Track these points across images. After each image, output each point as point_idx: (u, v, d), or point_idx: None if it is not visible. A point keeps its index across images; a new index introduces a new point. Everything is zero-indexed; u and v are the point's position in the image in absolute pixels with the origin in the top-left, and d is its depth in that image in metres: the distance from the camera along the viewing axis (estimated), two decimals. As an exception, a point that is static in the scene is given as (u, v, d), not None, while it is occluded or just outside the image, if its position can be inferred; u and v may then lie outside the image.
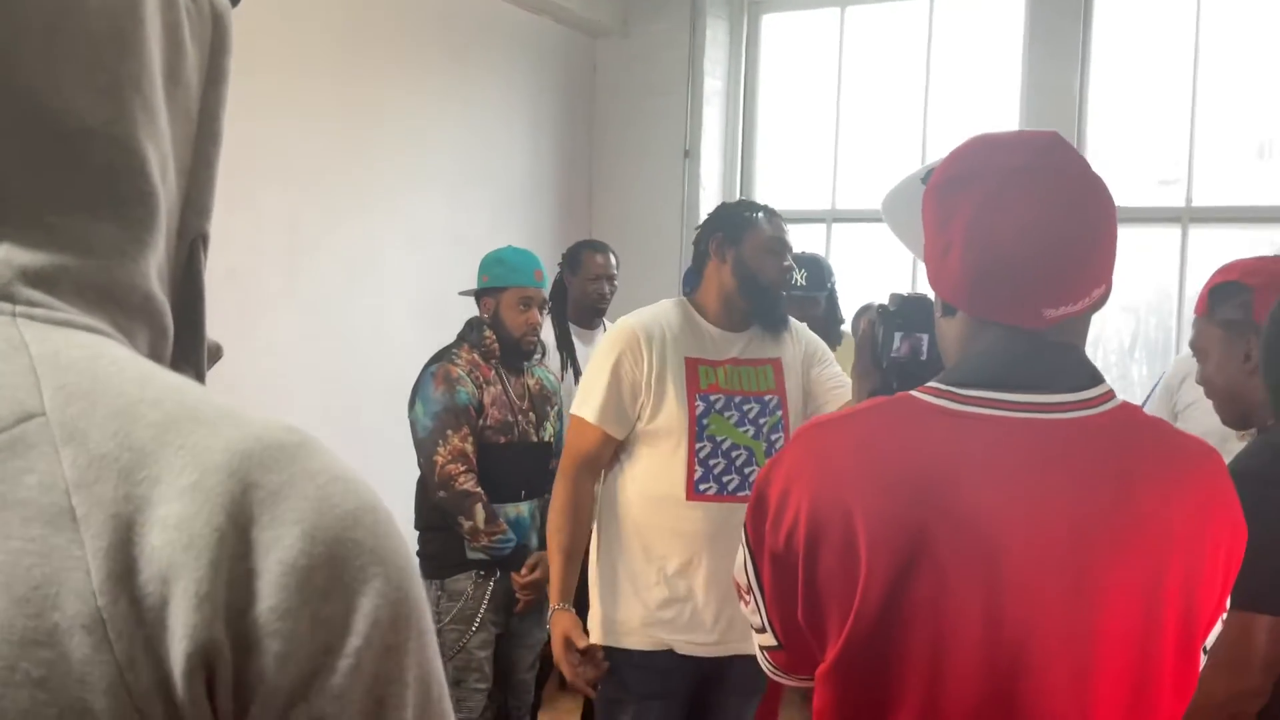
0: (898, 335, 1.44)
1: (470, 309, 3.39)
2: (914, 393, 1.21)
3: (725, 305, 2.60)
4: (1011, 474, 1.14)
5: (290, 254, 3.97)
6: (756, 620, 1.33)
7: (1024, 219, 1.14)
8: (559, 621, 2.53)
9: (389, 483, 3.31)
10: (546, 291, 3.38)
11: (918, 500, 1.13)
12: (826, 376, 2.68)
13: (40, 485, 0.49)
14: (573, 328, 4.00)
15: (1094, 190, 1.18)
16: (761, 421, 2.56)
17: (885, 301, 1.49)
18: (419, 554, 3.16)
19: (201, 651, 0.49)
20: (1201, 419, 2.56)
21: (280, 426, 0.54)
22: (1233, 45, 4.68)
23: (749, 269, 2.56)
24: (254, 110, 3.80)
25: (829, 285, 3.73)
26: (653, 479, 2.50)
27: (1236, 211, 4.62)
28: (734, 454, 2.52)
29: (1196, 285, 3.49)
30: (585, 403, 2.53)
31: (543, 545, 3.20)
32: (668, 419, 2.48)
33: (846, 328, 4.04)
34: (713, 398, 2.52)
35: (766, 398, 2.59)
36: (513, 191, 5.05)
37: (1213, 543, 1.17)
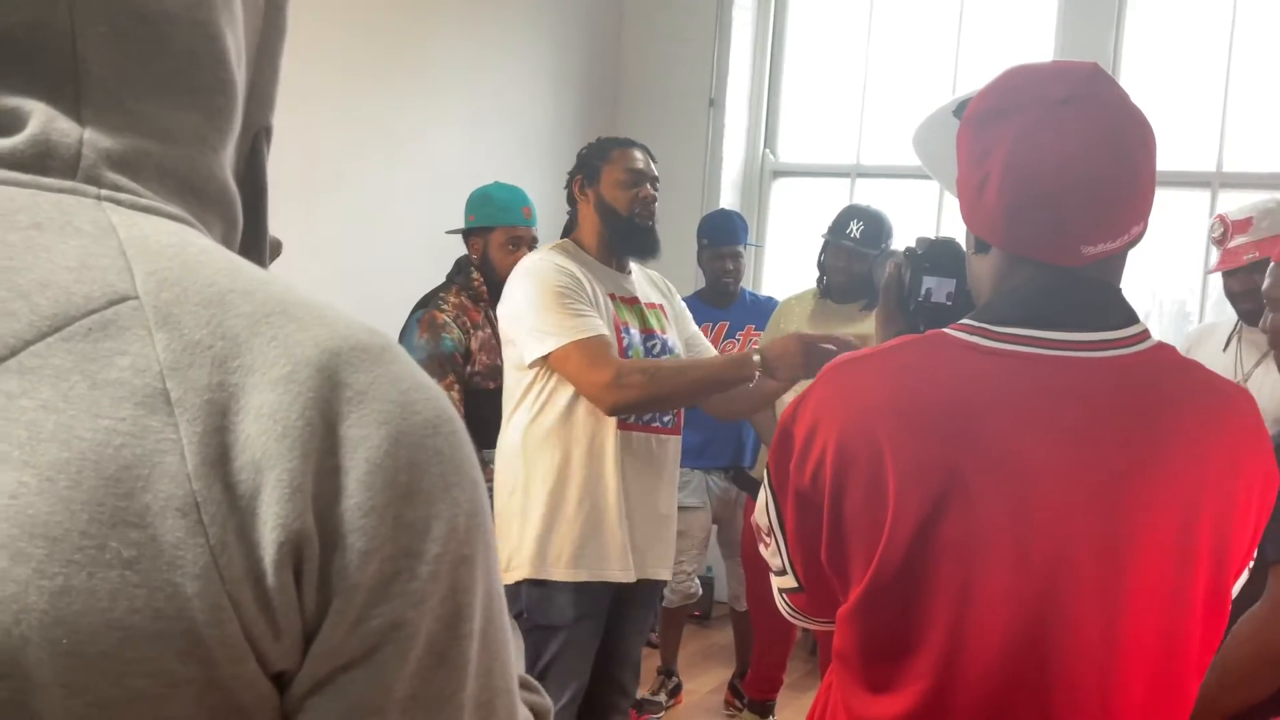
0: (926, 278, 1.41)
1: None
2: (946, 330, 1.19)
3: (601, 244, 2.63)
4: (1045, 413, 1.12)
5: (308, 195, 3.95)
6: (777, 562, 1.32)
7: (1065, 152, 1.11)
8: (772, 350, 2.43)
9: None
10: (536, 229, 3.34)
11: (949, 438, 1.12)
12: (693, 337, 2.80)
13: (133, 367, 0.49)
14: None
15: (1136, 123, 1.15)
16: (663, 360, 2.61)
17: (912, 245, 1.46)
18: None
19: (292, 541, 0.49)
20: None
21: (364, 328, 0.55)
22: (1268, 9, 4.60)
23: (608, 206, 2.60)
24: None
25: (883, 245, 3.66)
26: (581, 410, 2.49)
27: (1268, 178, 4.55)
28: None
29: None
30: (574, 327, 2.41)
31: None
32: None
33: None
34: (633, 332, 2.58)
35: (664, 337, 2.67)
36: (535, 134, 5.01)
37: (1245, 485, 1.15)
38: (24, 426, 0.47)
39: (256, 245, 0.66)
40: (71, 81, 0.54)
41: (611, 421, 2.49)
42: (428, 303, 3.16)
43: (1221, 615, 1.18)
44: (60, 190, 0.53)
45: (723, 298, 4.10)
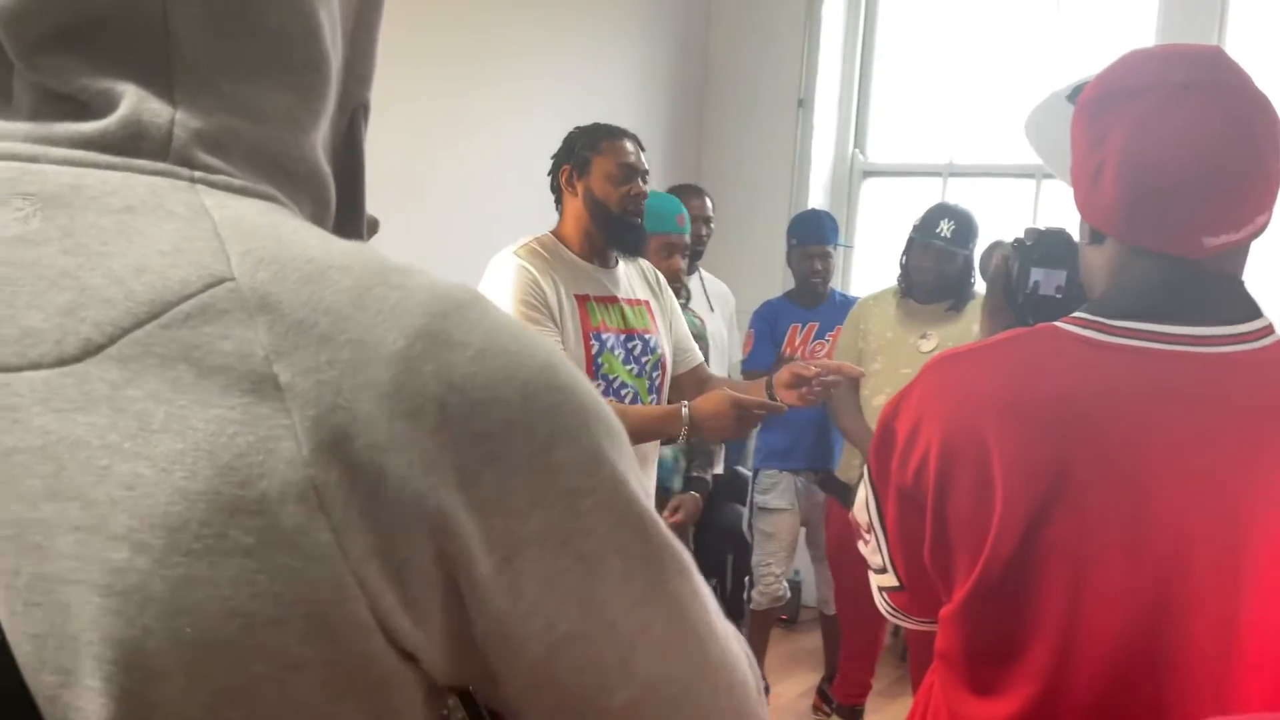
0: (1035, 270, 1.36)
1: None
2: (1058, 323, 1.15)
3: (586, 238, 2.55)
4: (1160, 410, 1.08)
5: (407, 193, 4.00)
6: (877, 560, 1.29)
7: (1186, 138, 1.07)
8: (703, 409, 2.32)
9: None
10: (688, 236, 3.35)
11: (1059, 435, 1.08)
12: (681, 338, 2.70)
13: (237, 353, 0.48)
14: None
15: (1260, 109, 1.11)
16: (644, 359, 2.53)
17: (1020, 236, 1.41)
18: None
19: (429, 518, 0.49)
20: None
21: (459, 285, 0.54)
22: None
23: (598, 200, 2.53)
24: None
25: (971, 246, 3.59)
26: None
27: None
28: (623, 392, 2.49)
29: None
30: None
31: (686, 488, 3.23)
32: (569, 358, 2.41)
33: (980, 288, 3.90)
34: (604, 335, 2.48)
35: (647, 336, 2.57)
36: (623, 137, 5.01)
37: None
38: (133, 417, 0.47)
39: (354, 223, 0.65)
40: (164, 62, 0.54)
41: None
42: None
43: None
44: (153, 173, 0.53)
45: (812, 298, 4.06)
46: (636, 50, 5.10)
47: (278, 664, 0.48)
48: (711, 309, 3.98)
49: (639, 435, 2.39)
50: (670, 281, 3.15)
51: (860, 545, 1.33)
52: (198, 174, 0.54)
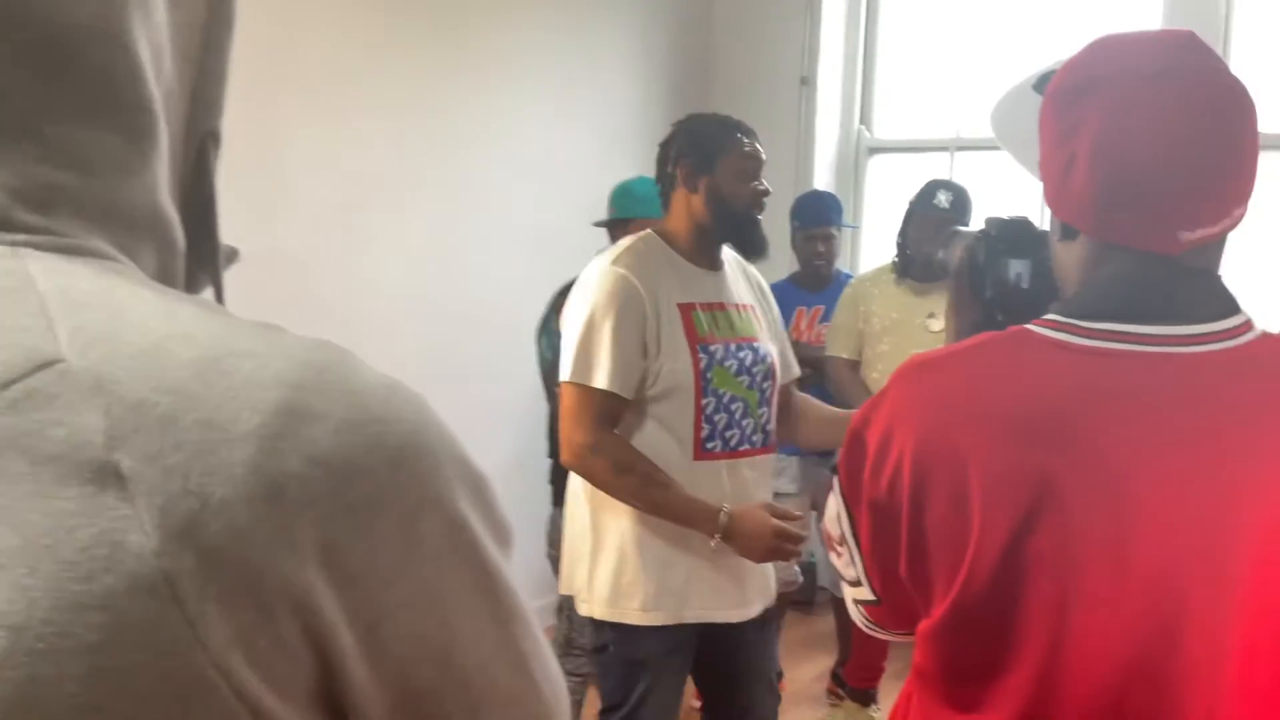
0: (1002, 261, 1.32)
1: (593, 239, 3.33)
2: (1029, 326, 1.10)
3: (698, 238, 2.37)
4: (1143, 414, 1.03)
5: (401, 189, 3.97)
6: (851, 573, 1.25)
7: (1160, 130, 1.02)
8: (743, 523, 2.22)
9: (500, 417, 3.32)
10: None
11: (1038, 444, 1.04)
12: (784, 350, 2.53)
13: (71, 440, 0.45)
14: None
15: (1236, 97, 1.06)
16: (755, 370, 2.37)
17: (983, 227, 1.36)
18: (551, 481, 3.17)
19: (293, 598, 0.47)
20: None
21: (318, 345, 0.51)
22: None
23: (724, 199, 2.33)
24: (362, 46, 3.77)
25: (968, 219, 3.52)
26: (656, 442, 2.28)
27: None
28: (733, 407, 2.34)
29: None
30: (589, 368, 2.24)
31: None
32: (673, 377, 2.27)
33: None
34: (712, 348, 2.32)
35: (756, 344, 2.40)
36: (624, 120, 4.96)
37: None
38: None
39: (209, 259, 0.61)
40: None
41: (689, 453, 2.30)
42: (567, 291, 3.18)
43: None
44: None
45: (816, 281, 4.00)
46: (637, 33, 5.04)
47: None
48: None
49: (672, 519, 2.28)
50: None
51: (833, 558, 1.29)
52: (20, 237, 0.49)
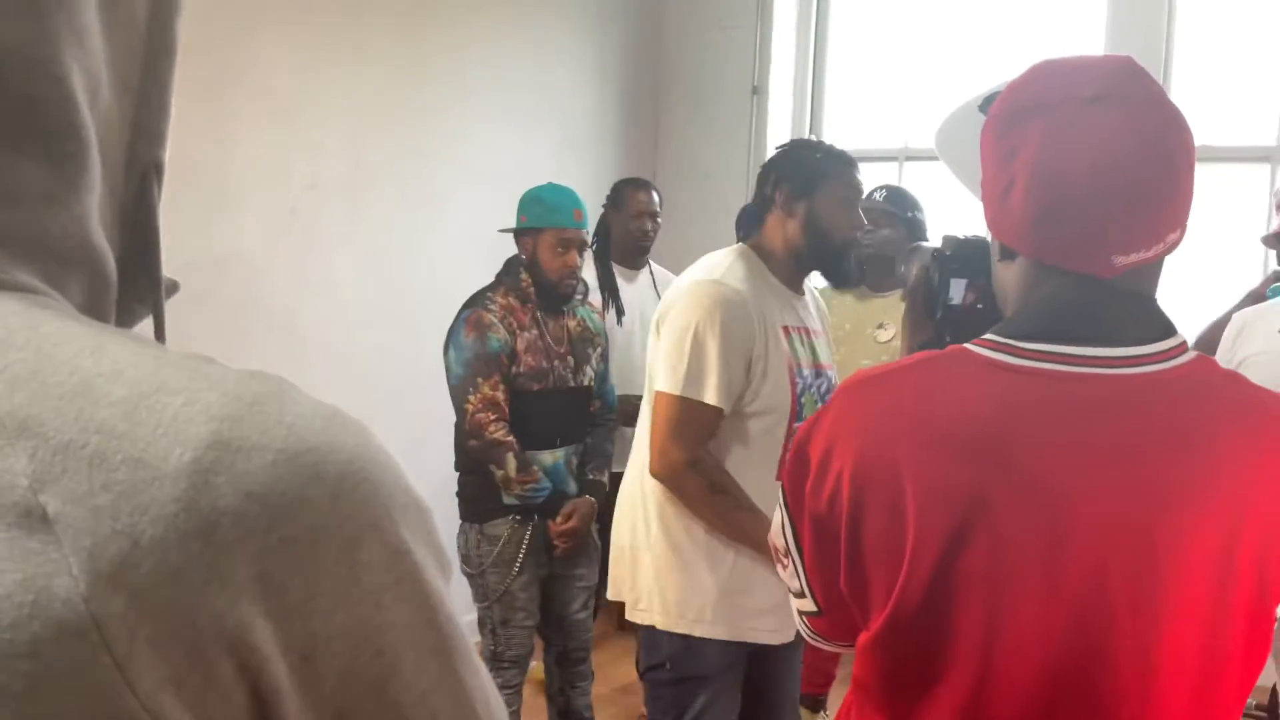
0: (955, 282, 1.33)
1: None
2: (968, 345, 1.12)
3: (791, 262, 2.36)
4: (1075, 434, 1.05)
5: (352, 193, 3.94)
6: (795, 584, 1.27)
7: (1096, 154, 1.04)
8: None
9: (450, 423, 3.29)
10: (589, 232, 3.27)
11: (972, 462, 1.05)
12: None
13: None
14: (616, 268, 3.94)
15: (1172, 123, 1.07)
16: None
17: (939, 244, 1.38)
18: (458, 496, 3.14)
19: (227, 635, 0.46)
20: (1259, 371, 2.41)
21: (252, 377, 0.49)
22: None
23: (822, 226, 2.32)
24: (313, 46, 3.75)
25: (910, 214, 3.55)
26: (745, 461, 2.28)
27: (1332, 151, 4.38)
28: None
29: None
30: (697, 381, 2.21)
31: (582, 491, 3.15)
32: (772, 398, 2.27)
33: None
34: (805, 372, 2.33)
35: (830, 372, 2.43)
36: (576, 129, 4.96)
37: None
38: None
39: (150, 292, 0.60)
40: None
41: (773, 471, 2.26)
42: (475, 302, 3.14)
43: (1264, 641, 1.10)
44: None
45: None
46: (589, 40, 5.04)
47: None
48: None
49: (749, 543, 2.26)
50: (566, 279, 3.10)
51: (779, 569, 1.30)
52: None
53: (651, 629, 2.36)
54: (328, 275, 3.85)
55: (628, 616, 2.43)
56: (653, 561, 2.35)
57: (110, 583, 0.44)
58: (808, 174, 2.33)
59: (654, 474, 2.30)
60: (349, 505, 0.49)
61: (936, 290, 1.34)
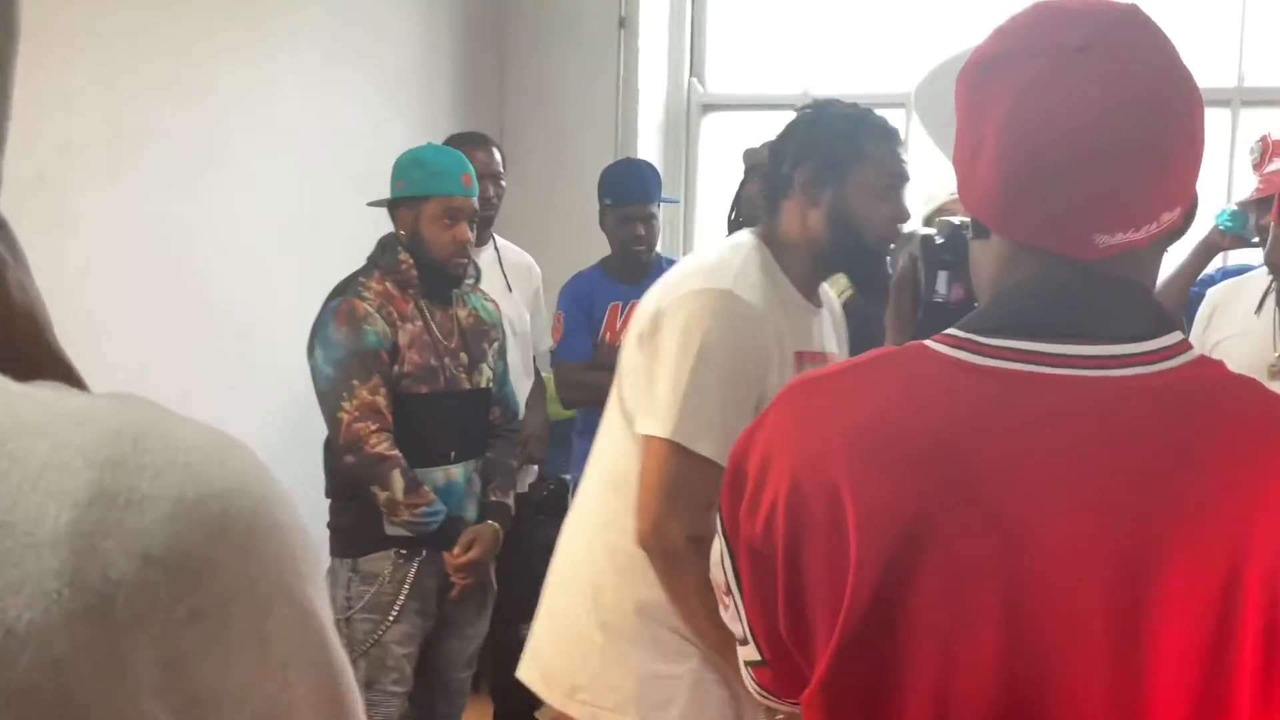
0: (942, 275, 1.35)
1: (373, 222, 3.27)
2: (928, 342, 1.14)
3: (810, 263, 2.25)
4: (1044, 447, 1.08)
5: (111, 152, 3.82)
6: (738, 629, 1.28)
7: (1074, 113, 1.06)
8: None
9: (248, 438, 3.24)
10: (476, 200, 3.27)
11: (922, 478, 1.08)
12: None
13: None
14: None
15: (1167, 81, 1.10)
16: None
17: (931, 231, 1.40)
18: (329, 526, 3.13)
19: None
20: (1231, 355, 2.53)
21: (120, 405, 0.50)
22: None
23: (852, 220, 2.18)
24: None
25: None
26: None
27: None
28: None
29: (1246, 176, 3.48)
30: (695, 426, 2.09)
31: (482, 517, 3.15)
32: None
33: None
34: None
35: None
36: (403, 74, 4.91)
37: None
38: None
39: None
40: None
41: None
42: (346, 290, 3.13)
43: (1278, 685, 1.15)
44: None
45: (634, 269, 4.04)
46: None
47: None
48: (509, 288, 3.94)
49: (728, 660, 2.14)
50: (455, 256, 3.10)
51: (721, 610, 1.31)
52: None
53: None
54: (85, 258, 3.72)
55: (558, 706, 2.31)
56: (604, 645, 2.25)
57: None
58: (837, 151, 2.18)
59: (640, 542, 2.18)
60: (258, 563, 0.51)
61: (925, 282, 1.36)
